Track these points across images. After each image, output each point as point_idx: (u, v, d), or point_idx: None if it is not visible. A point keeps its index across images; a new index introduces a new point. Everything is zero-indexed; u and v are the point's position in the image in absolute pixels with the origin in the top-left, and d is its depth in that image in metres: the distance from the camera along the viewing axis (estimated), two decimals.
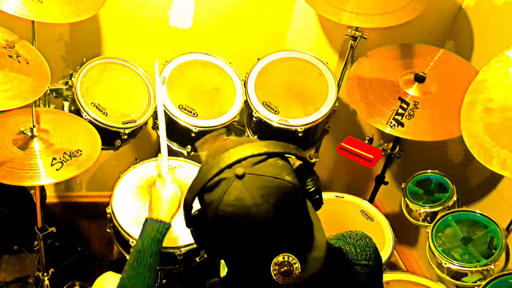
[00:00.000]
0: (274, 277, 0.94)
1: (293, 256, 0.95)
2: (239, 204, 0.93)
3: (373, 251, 1.16)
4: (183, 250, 1.86)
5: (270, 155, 0.99)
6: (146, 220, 1.41)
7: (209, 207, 0.98)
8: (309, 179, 1.05)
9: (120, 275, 1.69)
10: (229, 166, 0.97)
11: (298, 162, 1.07)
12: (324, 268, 1.03)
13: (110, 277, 1.75)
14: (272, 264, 0.95)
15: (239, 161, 0.97)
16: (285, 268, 0.94)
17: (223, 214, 0.95)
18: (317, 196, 1.06)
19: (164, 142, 1.61)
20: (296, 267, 0.94)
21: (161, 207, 1.42)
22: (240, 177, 0.94)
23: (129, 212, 1.95)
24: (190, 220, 1.05)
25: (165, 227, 1.39)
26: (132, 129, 2.11)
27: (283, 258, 0.95)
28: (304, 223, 1.02)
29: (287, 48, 2.51)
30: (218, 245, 1.02)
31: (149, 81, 2.21)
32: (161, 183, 1.48)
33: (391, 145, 2.36)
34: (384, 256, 2.06)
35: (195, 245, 1.88)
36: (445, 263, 1.81)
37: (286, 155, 1.04)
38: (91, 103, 2.04)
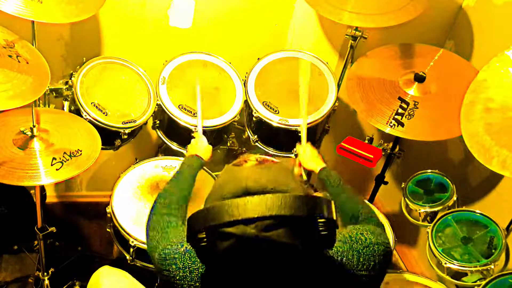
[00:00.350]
0: None
1: None
2: (242, 262, 0.96)
3: (379, 260, 1.14)
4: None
5: (291, 219, 0.92)
6: (185, 156, 1.80)
7: (212, 249, 0.96)
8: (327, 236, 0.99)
9: (117, 269, 1.72)
10: (244, 222, 0.91)
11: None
12: (322, 273, 1.05)
13: (107, 271, 1.75)
14: None
15: (254, 221, 0.91)
16: None
17: (222, 265, 0.99)
18: (329, 245, 1.02)
19: (199, 107, 2.06)
20: None
21: (198, 151, 1.82)
22: (251, 241, 0.91)
23: (129, 211, 1.95)
24: (192, 240, 1.01)
25: (200, 160, 1.77)
26: (132, 129, 2.11)
27: None
28: (308, 272, 1.02)
29: (287, 48, 2.51)
30: (211, 269, 1.07)
31: (149, 81, 2.21)
32: (198, 138, 1.93)
33: (391, 145, 2.36)
34: None
35: None
36: (445, 263, 1.81)
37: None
38: (91, 103, 2.04)
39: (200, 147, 1.88)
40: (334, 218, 0.96)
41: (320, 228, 0.96)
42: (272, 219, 0.91)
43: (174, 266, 1.11)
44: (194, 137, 1.98)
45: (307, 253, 0.98)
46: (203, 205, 1.03)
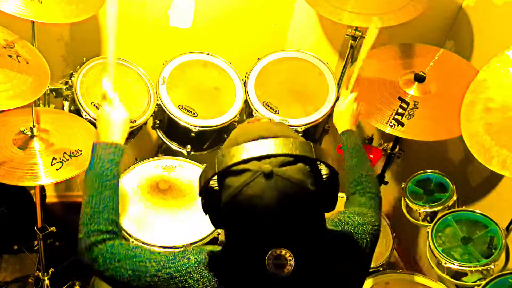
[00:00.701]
0: (267, 265, 0.97)
1: (292, 255, 0.97)
2: (256, 200, 0.94)
3: (370, 239, 1.17)
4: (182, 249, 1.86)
5: (301, 160, 0.97)
6: (95, 145, 1.30)
7: (226, 190, 0.98)
8: (330, 188, 1.04)
9: None
10: (258, 158, 0.95)
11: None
12: (321, 254, 1.05)
13: None
14: (270, 252, 0.96)
15: (268, 157, 0.95)
16: (280, 261, 0.97)
17: (237, 203, 0.96)
18: (331, 204, 1.06)
19: (112, 47, 1.42)
20: (290, 265, 0.97)
21: (114, 130, 1.31)
22: (266, 175, 0.93)
23: (129, 211, 1.95)
24: (205, 192, 1.04)
25: (122, 149, 1.29)
26: (132, 129, 2.11)
27: (282, 252, 0.97)
28: (313, 230, 1.02)
29: (287, 48, 2.51)
30: (223, 221, 1.04)
31: (149, 81, 2.21)
32: (109, 106, 1.37)
33: (391, 144, 2.36)
34: (384, 256, 2.06)
35: (193, 244, 1.88)
36: (445, 263, 1.81)
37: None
38: (91, 103, 2.04)
39: (117, 123, 1.32)
40: (335, 169, 1.01)
41: (324, 176, 1.01)
42: (286, 158, 0.95)
43: (190, 281, 1.05)
44: (109, 103, 1.38)
45: (317, 197, 0.99)
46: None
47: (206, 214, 1.07)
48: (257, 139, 0.98)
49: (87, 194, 1.20)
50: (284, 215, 0.95)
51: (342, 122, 1.66)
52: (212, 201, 1.03)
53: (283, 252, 0.97)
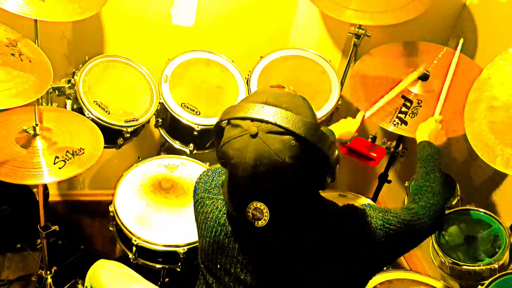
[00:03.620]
0: (247, 213, 1.12)
1: (268, 210, 1.10)
2: (238, 154, 1.06)
3: (379, 233, 1.22)
4: (185, 248, 1.86)
5: (290, 133, 1.04)
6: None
7: (221, 137, 1.12)
8: (319, 171, 1.12)
9: (113, 261, 1.71)
10: (252, 120, 1.06)
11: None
12: (297, 220, 1.15)
13: (104, 263, 1.74)
14: (251, 202, 1.11)
15: (261, 121, 1.05)
16: (256, 213, 1.11)
17: (224, 152, 1.10)
18: (317, 183, 1.15)
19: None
20: (264, 219, 1.11)
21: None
22: (251, 135, 1.04)
23: (131, 210, 1.95)
24: (215, 132, 1.18)
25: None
26: (135, 127, 2.11)
27: (261, 206, 1.10)
28: (292, 197, 1.12)
29: (290, 46, 2.50)
30: (220, 161, 1.16)
31: (152, 80, 2.21)
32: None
33: (394, 143, 2.35)
34: None
35: (197, 244, 1.88)
36: (449, 262, 1.80)
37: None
38: (94, 102, 2.04)
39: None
40: (331, 160, 1.10)
41: (315, 161, 1.09)
42: (275, 127, 1.04)
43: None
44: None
45: (294, 171, 1.06)
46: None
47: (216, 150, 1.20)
48: (263, 103, 1.08)
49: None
50: (257, 175, 1.05)
51: (421, 134, 1.74)
52: (217, 141, 1.17)
53: (262, 207, 1.10)
